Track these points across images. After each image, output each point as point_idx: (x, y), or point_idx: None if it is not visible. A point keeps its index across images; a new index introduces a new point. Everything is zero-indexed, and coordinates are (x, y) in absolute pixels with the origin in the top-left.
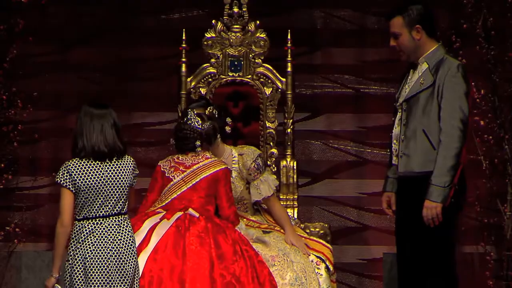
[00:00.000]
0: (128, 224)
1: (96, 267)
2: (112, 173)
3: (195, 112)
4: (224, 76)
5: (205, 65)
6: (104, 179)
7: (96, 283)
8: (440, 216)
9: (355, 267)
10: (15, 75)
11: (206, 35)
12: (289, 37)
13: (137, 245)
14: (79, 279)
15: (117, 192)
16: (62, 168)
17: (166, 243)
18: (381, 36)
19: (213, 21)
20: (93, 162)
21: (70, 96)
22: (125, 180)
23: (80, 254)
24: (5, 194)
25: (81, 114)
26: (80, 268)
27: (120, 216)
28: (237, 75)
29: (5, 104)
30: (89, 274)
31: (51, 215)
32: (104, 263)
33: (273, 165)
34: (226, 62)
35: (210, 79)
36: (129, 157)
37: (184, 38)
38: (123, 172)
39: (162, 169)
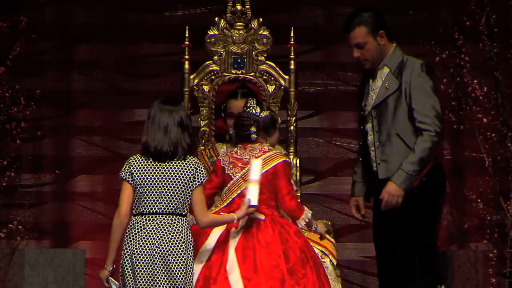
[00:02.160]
0: (183, 226)
1: (142, 263)
2: (167, 172)
3: (255, 101)
4: (227, 74)
5: (208, 62)
6: (158, 177)
7: (142, 280)
8: (398, 204)
9: (358, 265)
10: (18, 73)
11: (209, 32)
12: (292, 34)
13: (210, 257)
14: (128, 274)
15: (170, 191)
16: (126, 163)
17: (239, 258)
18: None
19: (216, 19)
20: (154, 162)
21: (73, 94)
22: (180, 180)
23: (129, 249)
24: (8, 192)
25: (150, 110)
26: (129, 263)
27: (174, 216)
28: (240, 72)
29: (8, 102)
30: (136, 270)
31: (54, 213)
32: (149, 261)
33: None
34: (229, 59)
35: (213, 77)
36: (193, 158)
37: (187, 35)
38: (179, 172)
39: (222, 164)
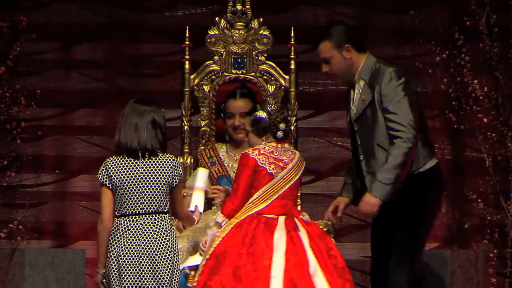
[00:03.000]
0: (166, 224)
1: (129, 265)
2: (146, 171)
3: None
4: (227, 74)
5: (208, 62)
6: (137, 176)
7: (129, 282)
8: (375, 213)
9: (358, 265)
10: (19, 73)
11: (209, 32)
12: (292, 34)
13: (287, 260)
14: (114, 277)
15: (152, 190)
16: (102, 165)
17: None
18: (385, 33)
19: (217, 19)
20: (128, 159)
21: (73, 94)
22: (160, 179)
23: (115, 251)
24: (9, 192)
25: (124, 109)
26: (115, 265)
27: (157, 215)
28: (240, 72)
29: (8, 102)
30: (122, 272)
31: (54, 213)
32: (136, 262)
33: None
34: (229, 59)
35: (213, 77)
36: (170, 156)
37: (187, 35)
38: (159, 171)
39: (260, 164)
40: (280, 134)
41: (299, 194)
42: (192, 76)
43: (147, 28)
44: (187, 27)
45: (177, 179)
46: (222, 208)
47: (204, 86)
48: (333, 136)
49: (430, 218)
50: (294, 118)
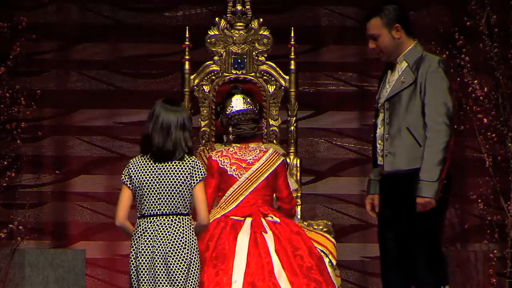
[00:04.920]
0: (184, 226)
1: (145, 265)
2: (164, 173)
3: (240, 96)
4: (227, 74)
5: (208, 62)
6: (155, 178)
7: (144, 283)
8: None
9: (358, 265)
10: (19, 73)
11: (209, 32)
12: (292, 34)
13: (248, 263)
14: (133, 276)
15: (168, 191)
16: (127, 165)
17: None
18: None
19: (217, 19)
20: (150, 161)
21: (73, 94)
22: (177, 180)
23: (134, 251)
24: (9, 192)
25: (153, 109)
26: (133, 265)
27: (174, 216)
28: (240, 72)
29: (8, 102)
30: (139, 272)
31: (54, 213)
32: (151, 262)
33: None
34: (229, 59)
35: (213, 77)
36: (191, 158)
37: (187, 35)
38: (176, 172)
39: (221, 166)
40: (230, 137)
41: (299, 194)
42: (192, 77)
43: (147, 28)
44: (187, 27)
45: (196, 180)
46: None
47: (204, 87)
48: (333, 136)
49: (445, 218)
50: (294, 118)
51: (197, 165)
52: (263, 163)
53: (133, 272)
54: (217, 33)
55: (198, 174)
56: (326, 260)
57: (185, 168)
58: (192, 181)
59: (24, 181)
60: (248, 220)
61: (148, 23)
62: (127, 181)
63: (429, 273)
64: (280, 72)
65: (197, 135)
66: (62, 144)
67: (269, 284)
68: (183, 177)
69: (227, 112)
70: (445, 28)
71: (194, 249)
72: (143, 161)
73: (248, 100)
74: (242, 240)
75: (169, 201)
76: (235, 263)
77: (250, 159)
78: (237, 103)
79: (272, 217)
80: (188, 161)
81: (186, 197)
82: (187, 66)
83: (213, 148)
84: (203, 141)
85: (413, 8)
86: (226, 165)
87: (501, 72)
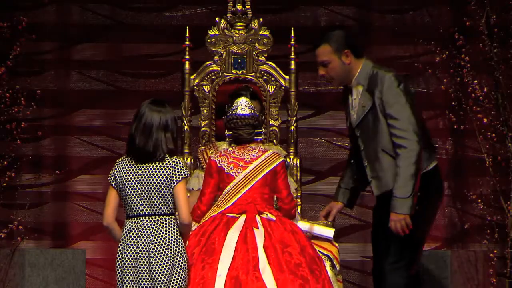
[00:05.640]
0: (167, 226)
1: (129, 265)
2: (145, 174)
3: (245, 99)
4: (227, 74)
5: (208, 62)
6: (136, 179)
7: (127, 283)
8: (410, 225)
9: (358, 265)
10: (19, 73)
11: (209, 32)
12: (292, 34)
13: (234, 257)
14: (118, 276)
15: (148, 192)
16: (114, 165)
17: (268, 258)
18: (385, 33)
19: (217, 19)
20: (132, 161)
21: (73, 94)
22: (156, 181)
23: (120, 252)
24: (8, 192)
25: (138, 109)
26: (119, 265)
27: (157, 217)
28: (240, 72)
29: (8, 102)
30: (123, 272)
31: (54, 213)
32: (135, 263)
33: None
34: (229, 59)
35: (213, 77)
36: (172, 158)
37: (187, 35)
38: (156, 173)
39: (219, 165)
40: (227, 139)
41: (299, 194)
42: (192, 77)
43: (147, 28)
44: (187, 27)
45: (176, 180)
46: (191, 214)
47: (204, 87)
48: (333, 136)
49: (428, 220)
50: (294, 118)
51: (177, 165)
52: (261, 162)
53: (118, 272)
54: (217, 33)
55: (178, 174)
56: (328, 263)
57: (165, 169)
58: (172, 181)
59: (24, 181)
60: (243, 217)
61: (148, 23)
62: (112, 181)
63: (392, 270)
64: (280, 72)
65: (197, 135)
66: (62, 144)
67: (252, 278)
68: (162, 177)
69: (228, 113)
70: (445, 28)
71: (178, 249)
72: (126, 162)
73: (251, 104)
74: (232, 235)
75: (150, 202)
76: (221, 258)
77: (248, 158)
78: (239, 106)
79: (267, 215)
80: (169, 161)
81: (167, 198)
82: (187, 66)
83: (215, 147)
84: (203, 141)
85: (413, 8)
86: (224, 164)
87: (501, 72)
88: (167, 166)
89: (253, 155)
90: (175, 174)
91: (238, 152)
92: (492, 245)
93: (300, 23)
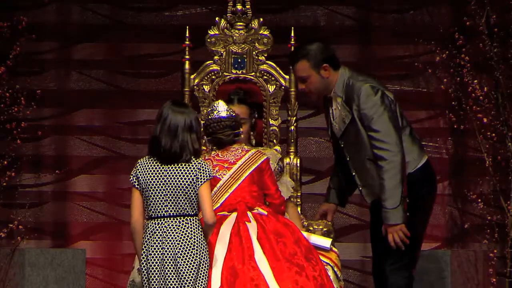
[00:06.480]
0: (192, 227)
1: (155, 267)
2: (170, 175)
3: (221, 102)
4: (227, 74)
5: (208, 62)
6: (161, 180)
7: (155, 283)
8: (407, 233)
9: (358, 265)
10: (19, 73)
11: (209, 32)
12: (292, 34)
13: (229, 249)
14: (144, 277)
15: (174, 193)
16: (134, 166)
17: (263, 248)
18: (385, 33)
19: (217, 19)
20: (157, 163)
21: (73, 94)
22: (182, 182)
23: (145, 253)
24: (8, 192)
25: (161, 110)
26: (144, 266)
27: (181, 218)
28: (240, 72)
29: (8, 102)
30: (150, 274)
31: (54, 213)
32: (160, 264)
33: None
34: (229, 59)
35: (213, 77)
36: (198, 160)
37: (187, 35)
38: (182, 174)
39: None
40: (207, 144)
41: (299, 194)
42: (192, 76)
43: (147, 28)
44: (187, 27)
45: (201, 181)
46: None
47: (204, 86)
48: None
49: (425, 217)
50: (294, 118)
51: (202, 166)
52: (245, 161)
53: (143, 273)
54: (217, 32)
55: (204, 175)
56: (331, 271)
57: (191, 170)
58: (198, 182)
59: (24, 180)
60: (234, 214)
61: (148, 23)
62: (135, 182)
63: (394, 271)
64: (280, 71)
65: None
66: (62, 144)
67: (249, 268)
68: (189, 179)
69: (206, 117)
70: (445, 28)
71: (203, 249)
72: (150, 163)
73: (226, 106)
74: (225, 230)
75: (175, 203)
76: (216, 250)
77: (232, 159)
78: (215, 110)
79: (258, 210)
80: (194, 163)
81: (192, 199)
82: (187, 65)
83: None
84: (203, 141)
85: (413, 7)
86: None
87: (501, 72)
88: (193, 167)
89: (237, 155)
90: (201, 175)
91: (222, 155)
92: (492, 245)
93: (300, 23)
